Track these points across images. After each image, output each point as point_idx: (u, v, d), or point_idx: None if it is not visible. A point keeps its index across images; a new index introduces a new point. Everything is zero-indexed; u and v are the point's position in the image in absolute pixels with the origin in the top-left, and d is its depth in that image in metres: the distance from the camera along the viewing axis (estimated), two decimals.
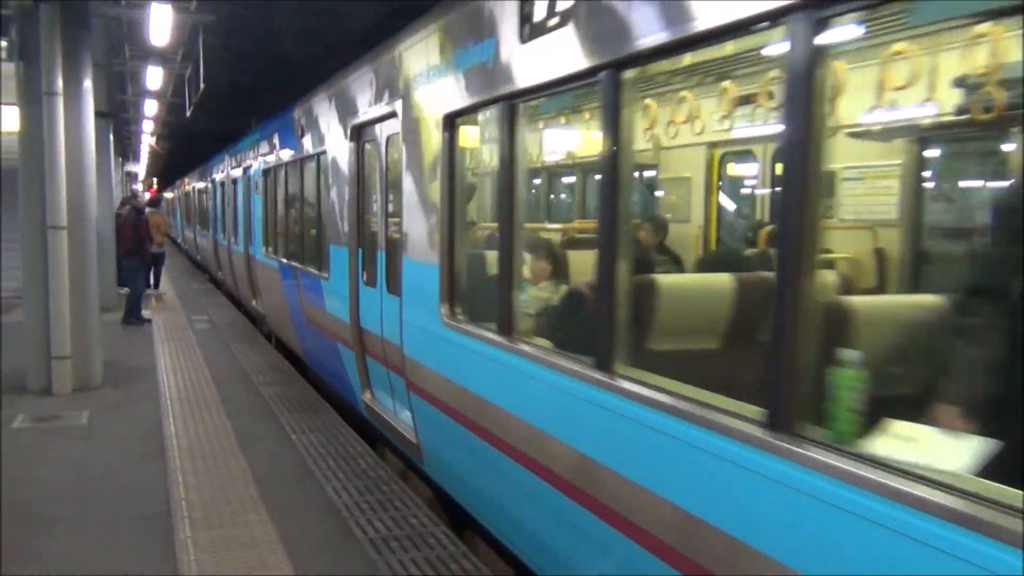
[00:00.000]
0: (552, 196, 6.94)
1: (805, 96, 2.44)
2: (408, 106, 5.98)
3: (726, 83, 5.11)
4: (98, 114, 10.74)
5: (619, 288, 3.47)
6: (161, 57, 15.81)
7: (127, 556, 4.96)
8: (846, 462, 2.37)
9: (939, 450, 2.32)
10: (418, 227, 5.79)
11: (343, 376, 8.17)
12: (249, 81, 25.04)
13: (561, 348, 4.14)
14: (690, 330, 3.71)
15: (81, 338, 9.04)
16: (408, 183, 5.97)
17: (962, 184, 5.81)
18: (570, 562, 3.96)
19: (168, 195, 45.23)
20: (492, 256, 4.82)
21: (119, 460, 6.78)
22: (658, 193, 7.59)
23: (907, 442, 2.39)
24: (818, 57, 2.42)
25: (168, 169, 52.24)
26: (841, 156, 5.49)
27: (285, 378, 9.88)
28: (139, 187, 46.56)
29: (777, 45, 2.73)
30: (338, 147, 8.00)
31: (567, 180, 7.43)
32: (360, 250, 7.40)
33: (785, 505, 2.55)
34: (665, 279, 4.06)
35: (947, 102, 4.35)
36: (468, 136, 5.38)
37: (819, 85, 2.44)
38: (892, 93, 4.07)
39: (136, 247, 13.86)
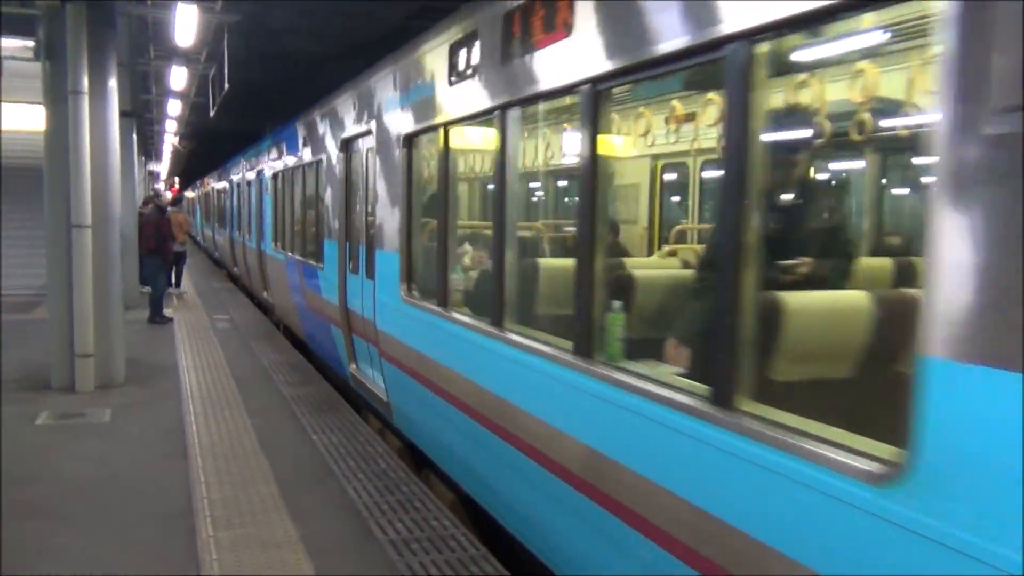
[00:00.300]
0: (479, 199, 8.60)
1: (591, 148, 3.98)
2: (379, 126, 7.45)
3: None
4: (122, 113, 10.81)
5: (508, 271, 4.92)
6: (185, 57, 15.90)
7: (149, 554, 4.97)
8: (626, 376, 3.64)
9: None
10: (386, 223, 7.20)
11: (335, 352, 9.49)
12: (272, 81, 25.15)
13: (474, 313, 5.53)
14: (564, 302, 4.58)
15: (104, 336, 9.10)
16: (380, 187, 7.37)
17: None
18: (497, 487, 5.18)
19: (189, 194, 45.54)
20: (434, 246, 6.22)
21: (141, 458, 6.81)
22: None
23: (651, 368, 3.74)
24: (600, 120, 3.93)
25: (190, 168, 52.64)
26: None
27: (306, 378, 9.90)
28: (161, 186, 46.94)
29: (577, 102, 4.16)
30: (331, 156, 9.39)
31: (487, 188, 8.96)
32: (347, 244, 8.73)
33: (588, 403, 3.92)
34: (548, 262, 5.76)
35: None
36: (418, 151, 6.72)
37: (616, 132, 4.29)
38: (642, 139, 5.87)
39: (158, 246, 13.96)
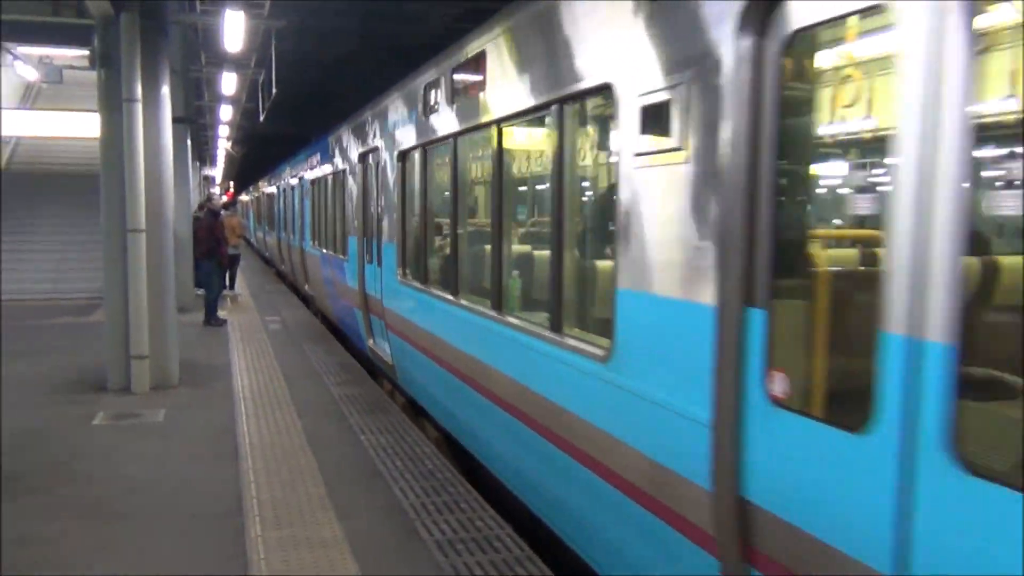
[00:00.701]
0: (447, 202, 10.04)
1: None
2: (384, 144, 9.19)
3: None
4: (176, 120, 11.03)
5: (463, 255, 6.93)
6: (235, 63, 16.18)
7: (199, 553, 5.06)
8: (514, 319, 5.53)
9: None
10: (388, 220, 8.99)
11: (357, 331, 11.15)
12: (320, 85, 25.47)
13: (441, 287, 7.25)
14: (487, 275, 6.13)
15: (159, 338, 9.28)
16: (385, 192, 9.13)
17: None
18: (467, 425, 6.54)
19: (244, 198, 46.32)
20: (418, 238, 8.13)
21: (193, 458, 6.94)
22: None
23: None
24: (503, 147, 5.85)
25: (243, 172, 53.55)
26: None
27: (355, 378, 9.99)
28: (216, 190, 47.83)
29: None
30: (353, 167, 11.11)
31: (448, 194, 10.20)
32: (364, 239, 10.32)
33: (499, 340, 5.64)
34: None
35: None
36: (409, 164, 8.40)
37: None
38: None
39: (212, 250, 14.22)
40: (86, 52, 9.93)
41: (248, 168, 48.10)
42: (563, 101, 4.72)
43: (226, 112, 23.60)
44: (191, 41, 16.26)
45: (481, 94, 6.00)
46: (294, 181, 19.18)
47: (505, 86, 5.53)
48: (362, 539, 5.19)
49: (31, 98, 25.02)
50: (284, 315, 15.64)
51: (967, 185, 2.25)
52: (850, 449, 2.60)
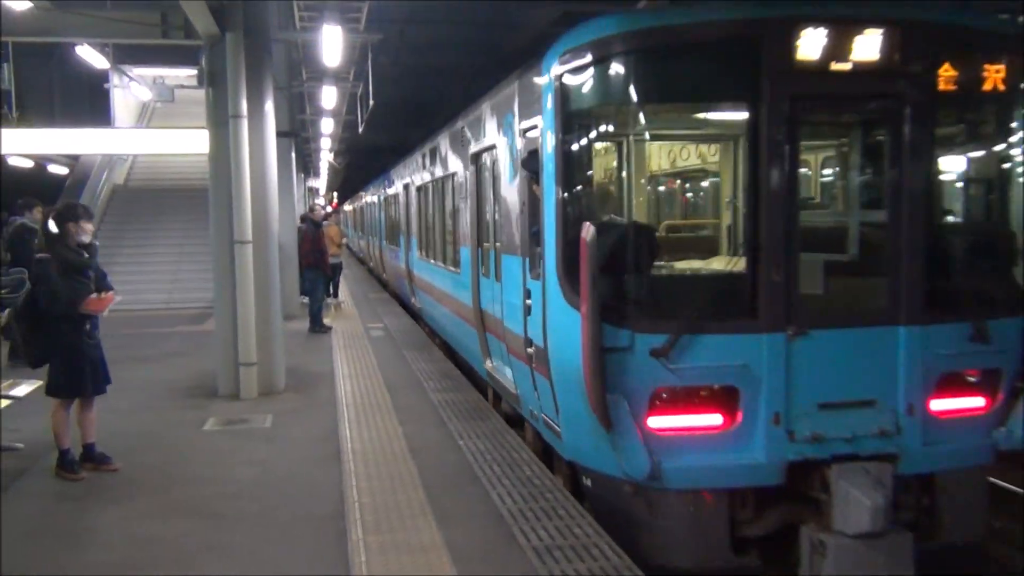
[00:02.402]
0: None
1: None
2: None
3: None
4: (280, 134, 11.42)
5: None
6: (334, 77, 16.59)
7: (303, 555, 5.21)
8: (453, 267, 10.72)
9: None
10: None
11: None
12: (417, 95, 25.84)
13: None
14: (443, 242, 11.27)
15: (265, 346, 9.61)
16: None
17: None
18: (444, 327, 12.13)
19: (347, 207, 47.49)
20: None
21: (299, 462, 7.16)
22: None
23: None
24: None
25: (346, 182, 54.94)
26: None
27: (455, 385, 10.10)
28: (320, 201, 49.18)
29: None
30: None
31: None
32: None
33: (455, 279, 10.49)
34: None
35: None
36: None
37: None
38: None
39: (317, 259, 14.65)
40: (195, 71, 10.38)
41: (350, 178, 49.36)
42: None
43: (327, 125, 24.24)
44: (293, 57, 16.81)
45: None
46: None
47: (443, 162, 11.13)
48: (460, 544, 5.24)
49: (146, 117, 26.32)
50: (387, 322, 15.96)
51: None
52: (494, 286, 8.04)
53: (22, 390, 9.79)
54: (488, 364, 8.86)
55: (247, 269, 9.35)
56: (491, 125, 8.31)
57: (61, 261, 6.57)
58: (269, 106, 9.89)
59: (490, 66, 21.73)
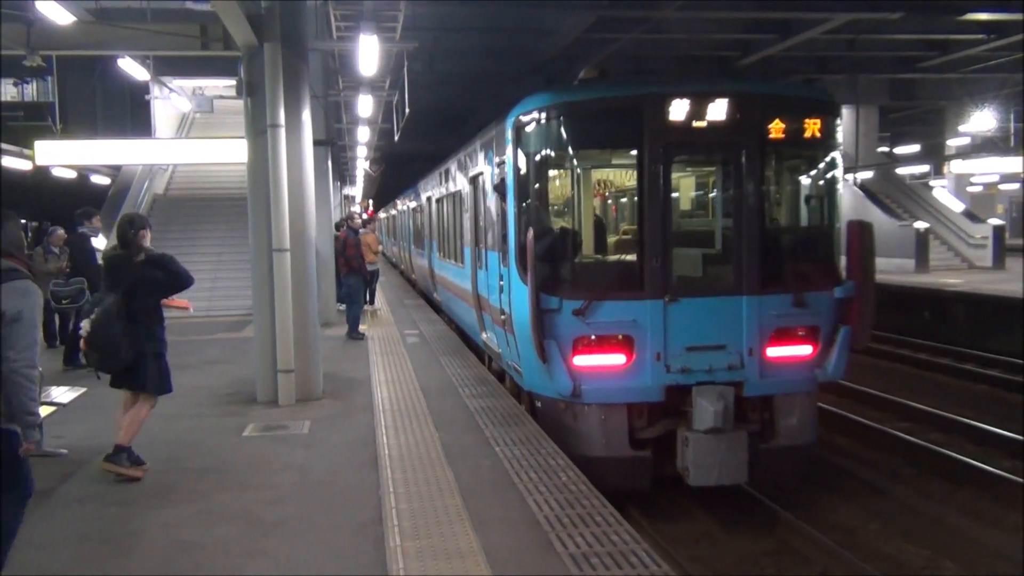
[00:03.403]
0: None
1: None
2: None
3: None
4: (317, 142, 11.54)
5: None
6: (370, 86, 16.73)
7: (343, 561, 5.26)
8: (458, 263, 13.68)
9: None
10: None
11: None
12: (451, 101, 25.98)
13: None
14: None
15: (303, 352, 9.68)
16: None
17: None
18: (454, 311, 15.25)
19: (381, 215, 47.84)
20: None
21: (336, 468, 7.22)
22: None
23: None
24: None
25: (382, 190, 55.34)
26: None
27: (491, 391, 10.11)
28: (357, 208, 49.51)
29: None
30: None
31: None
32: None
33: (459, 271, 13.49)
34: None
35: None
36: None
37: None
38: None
39: (358, 265, 14.82)
40: (234, 82, 10.54)
41: (386, 185, 49.75)
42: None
43: (363, 133, 24.46)
44: (330, 67, 16.98)
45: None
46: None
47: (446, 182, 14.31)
48: (497, 550, 5.26)
49: (185, 128, 26.74)
50: (422, 328, 16.03)
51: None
52: (484, 275, 10.62)
53: (66, 396, 10.01)
54: (483, 336, 11.53)
55: (285, 277, 9.44)
56: (480, 156, 10.95)
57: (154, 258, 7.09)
58: (306, 115, 9.99)
59: (522, 73, 21.87)
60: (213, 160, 19.35)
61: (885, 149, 35.15)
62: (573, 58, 20.80)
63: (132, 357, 6.85)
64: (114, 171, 24.62)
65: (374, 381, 10.81)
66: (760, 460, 8.12)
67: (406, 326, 16.51)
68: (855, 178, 28.96)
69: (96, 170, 26.40)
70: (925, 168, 36.23)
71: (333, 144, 20.97)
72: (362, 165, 35.29)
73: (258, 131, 9.53)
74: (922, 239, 25.51)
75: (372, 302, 19.77)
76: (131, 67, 17.50)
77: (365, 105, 18.51)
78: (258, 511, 6.18)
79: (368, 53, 11.71)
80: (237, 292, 18.06)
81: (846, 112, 29.72)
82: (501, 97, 23.17)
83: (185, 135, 25.76)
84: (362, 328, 15.03)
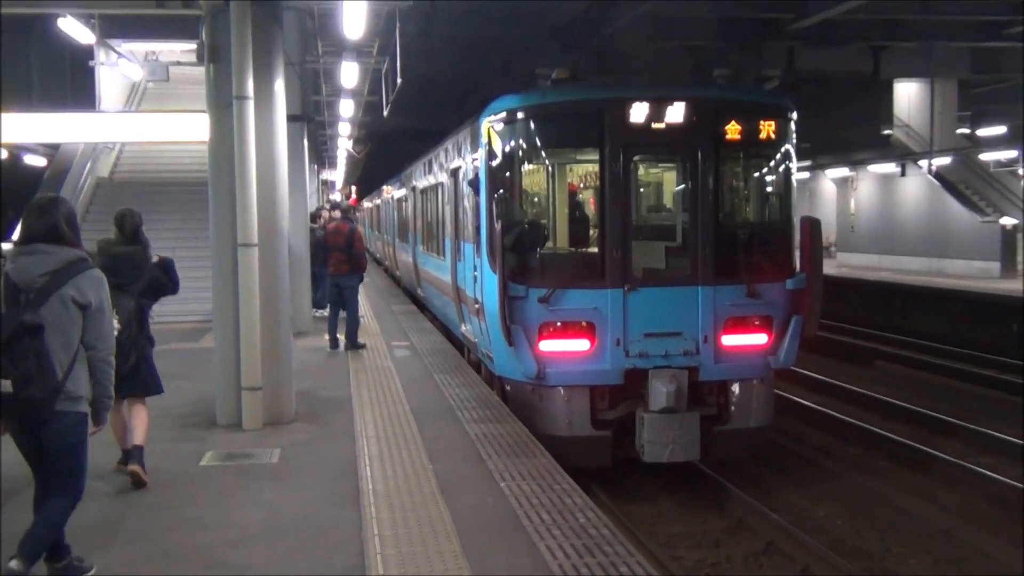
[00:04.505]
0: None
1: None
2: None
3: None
4: (291, 118, 11.50)
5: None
6: (356, 51, 16.72)
7: None
8: (439, 256, 16.29)
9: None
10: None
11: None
12: (450, 71, 25.94)
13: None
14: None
15: (273, 367, 9.65)
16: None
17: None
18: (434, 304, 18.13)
19: (366, 204, 47.94)
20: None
21: (311, 505, 7.19)
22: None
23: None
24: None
25: (366, 175, 55.38)
26: None
27: (496, 415, 10.07)
28: (337, 196, 49.61)
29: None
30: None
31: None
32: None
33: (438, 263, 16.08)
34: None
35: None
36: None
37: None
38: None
39: (356, 263, 14.71)
40: (194, 46, 10.52)
41: (372, 169, 49.78)
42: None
43: (347, 108, 24.46)
44: (307, 28, 16.96)
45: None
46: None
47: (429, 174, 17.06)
48: None
49: (135, 99, 26.72)
50: (413, 339, 16.03)
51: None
52: (462, 266, 12.74)
53: None
54: (463, 328, 13.40)
55: (252, 277, 9.40)
56: (458, 150, 13.16)
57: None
58: (279, 85, 9.97)
59: (530, 39, 21.84)
60: (168, 138, 19.29)
61: (965, 131, 34.97)
62: (595, 22, 20.79)
63: (146, 352, 7.76)
64: (51, 150, 24.63)
65: (356, 401, 10.80)
66: (715, 442, 10.02)
67: (394, 336, 16.51)
68: (929, 165, 28.89)
69: (31, 149, 26.43)
70: (1013, 154, 36.04)
71: (310, 120, 20.95)
72: (344, 145, 35.31)
73: (222, 104, 9.52)
74: (1009, 238, 25.45)
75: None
76: (73, 28, 17.52)
77: (349, 74, 18.51)
78: (218, 554, 6.15)
79: (354, 12, 11.69)
80: (195, 295, 17.97)
81: (919, 87, 29.69)
82: (511, 69, 23.15)
83: (135, 108, 25.77)
84: (340, 338, 14.92)
